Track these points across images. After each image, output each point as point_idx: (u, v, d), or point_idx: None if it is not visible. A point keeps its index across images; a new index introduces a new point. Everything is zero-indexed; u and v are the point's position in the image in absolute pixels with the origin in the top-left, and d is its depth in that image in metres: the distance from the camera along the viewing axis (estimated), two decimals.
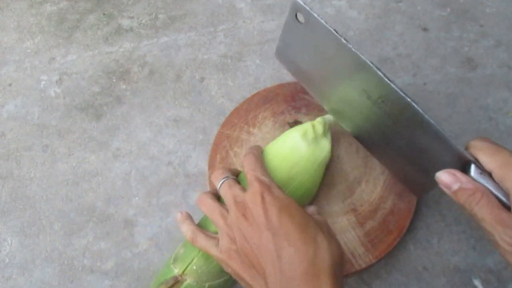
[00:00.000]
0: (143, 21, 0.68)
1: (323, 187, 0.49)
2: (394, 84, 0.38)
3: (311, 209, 0.42)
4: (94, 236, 0.50)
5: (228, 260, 0.36)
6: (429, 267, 0.47)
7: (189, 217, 0.42)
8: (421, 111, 0.37)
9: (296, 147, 0.43)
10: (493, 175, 0.34)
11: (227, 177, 0.40)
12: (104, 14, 0.70)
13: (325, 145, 0.45)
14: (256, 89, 0.58)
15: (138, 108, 0.60)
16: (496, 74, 0.60)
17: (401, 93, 0.38)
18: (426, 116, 0.37)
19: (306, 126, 0.46)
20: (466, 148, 0.36)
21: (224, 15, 0.68)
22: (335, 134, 0.51)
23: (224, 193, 0.38)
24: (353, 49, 0.39)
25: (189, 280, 0.38)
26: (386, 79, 0.38)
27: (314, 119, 0.53)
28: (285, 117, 0.54)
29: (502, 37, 0.63)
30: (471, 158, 0.35)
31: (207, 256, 0.39)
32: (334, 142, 0.51)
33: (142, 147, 0.56)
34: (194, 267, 0.39)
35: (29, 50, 0.66)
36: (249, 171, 0.39)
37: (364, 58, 0.39)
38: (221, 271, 0.39)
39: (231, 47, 0.64)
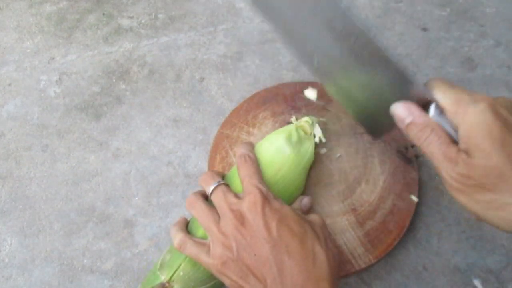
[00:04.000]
0: (143, 21, 0.68)
1: (323, 187, 0.49)
2: (358, 18, 0.37)
3: (305, 200, 0.43)
4: (93, 236, 0.50)
5: (222, 267, 0.35)
6: (429, 267, 0.47)
7: (181, 222, 0.41)
8: (381, 47, 0.36)
9: (280, 151, 0.43)
10: (446, 112, 0.33)
11: (218, 182, 0.39)
12: (103, 14, 0.70)
13: (309, 147, 0.45)
14: (256, 89, 0.58)
15: (138, 108, 0.60)
16: (496, 74, 0.60)
17: (364, 29, 0.36)
18: (386, 53, 0.36)
19: (290, 128, 0.46)
20: (427, 86, 0.36)
21: (224, 15, 0.68)
22: (334, 134, 0.51)
23: (218, 199, 0.38)
24: None
25: (176, 287, 0.38)
26: (347, 12, 0.37)
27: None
28: (285, 117, 0.54)
29: (501, 37, 0.63)
30: (431, 98, 0.34)
31: (194, 262, 0.38)
32: (334, 143, 0.51)
33: (142, 147, 0.56)
34: (181, 273, 0.38)
35: (28, 50, 0.66)
36: (246, 177, 0.39)
37: None
38: (209, 277, 0.39)
39: (231, 47, 0.64)
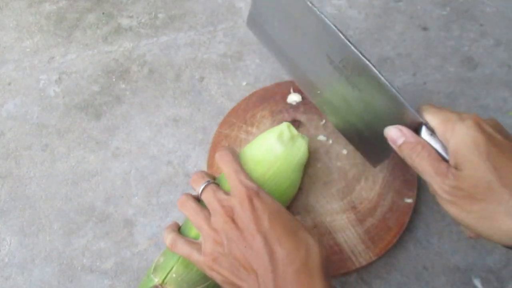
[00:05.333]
0: (143, 20, 0.68)
1: (322, 185, 0.49)
2: (355, 47, 0.40)
3: None
4: (93, 235, 0.50)
5: (213, 264, 0.36)
6: (429, 267, 0.47)
7: (173, 225, 0.42)
8: (378, 73, 0.39)
9: (271, 150, 0.43)
10: (436, 131, 0.36)
11: (208, 181, 0.40)
12: (103, 13, 0.70)
13: (301, 145, 0.45)
14: (255, 89, 0.58)
15: (138, 107, 0.59)
16: (496, 73, 0.60)
17: (360, 55, 0.39)
18: (383, 78, 0.38)
19: (282, 127, 0.46)
20: (418, 111, 0.38)
21: (224, 15, 0.68)
22: (333, 132, 0.51)
23: (208, 197, 0.38)
24: (318, 12, 0.41)
25: None
26: (348, 42, 0.40)
27: (312, 117, 0.53)
28: (283, 116, 0.54)
29: (502, 36, 0.63)
30: (422, 120, 0.37)
31: (186, 263, 0.39)
32: (333, 141, 0.51)
33: (141, 147, 0.56)
34: (174, 275, 0.39)
35: (28, 50, 0.66)
36: (232, 173, 0.39)
37: (328, 21, 0.41)
38: (201, 278, 0.39)
39: (230, 47, 0.64)
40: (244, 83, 0.61)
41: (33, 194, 0.53)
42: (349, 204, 0.48)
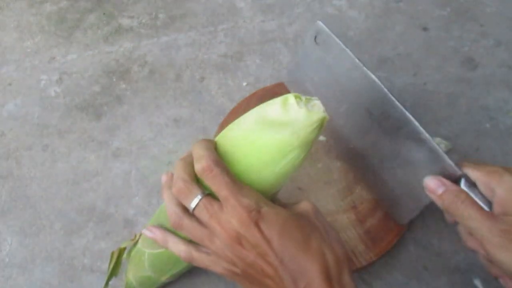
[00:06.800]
0: (143, 21, 0.68)
1: (323, 185, 0.49)
2: (398, 101, 0.41)
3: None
4: (94, 235, 0.50)
5: (232, 277, 0.34)
6: (429, 267, 0.47)
7: (168, 234, 0.38)
8: (419, 126, 0.40)
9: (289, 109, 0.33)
10: (478, 183, 0.37)
11: (199, 197, 0.34)
12: (104, 13, 0.70)
13: (318, 105, 0.33)
14: (256, 89, 0.58)
15: (138, 107, 0.60)
16: (496, 73, 0.60)
17: (403, 109, 0.41)
18: (424, 132, 0.39)
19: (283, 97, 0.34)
20: (456, 165, 0.39)
21: (224, 15, 0.68)
22: (334, 133, 0.51)
23: (204, 218, 0.34)
24: (364, 68, 0.43)
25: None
26: (391, 96, 0.41)
27: None
28: None
29: (502, 37, 0.63)
30: (461, 173, 0.37)
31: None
32: (334, 141, 0.51)
33: (142, 147, 0.56)
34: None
35: (29, 50, 0.66)
36: (228, 195, 0.33)
37: (372, 75, 0.42)
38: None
39: (231, 47, 0.64)
40: (244, 83, 0.61)
41: (34, 194, 0.54)
42: (349, 204, 0.48)
